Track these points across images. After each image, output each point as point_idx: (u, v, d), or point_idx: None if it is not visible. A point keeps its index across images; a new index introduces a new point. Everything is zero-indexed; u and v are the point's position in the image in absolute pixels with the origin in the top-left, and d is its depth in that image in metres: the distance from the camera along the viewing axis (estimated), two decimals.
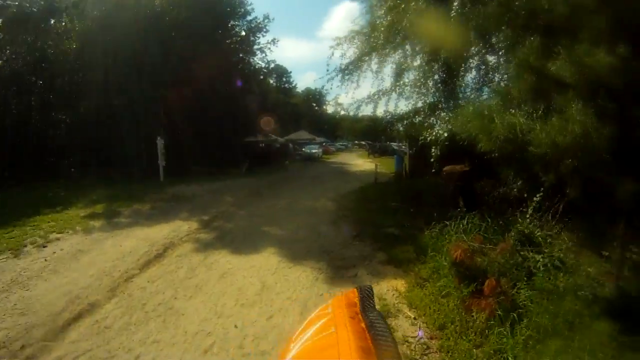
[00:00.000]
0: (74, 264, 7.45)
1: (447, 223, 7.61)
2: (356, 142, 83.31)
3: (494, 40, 8.37)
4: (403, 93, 12.86)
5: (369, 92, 13.49)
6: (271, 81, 55.42)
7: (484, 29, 7.75)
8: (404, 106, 13.12)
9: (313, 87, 75.89)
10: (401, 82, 13.19)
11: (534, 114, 4.93)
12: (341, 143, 74.13)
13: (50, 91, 24.83)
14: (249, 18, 27.76)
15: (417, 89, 12.03)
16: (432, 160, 10.65)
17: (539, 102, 5.03)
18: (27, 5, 24.41)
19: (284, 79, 64.60)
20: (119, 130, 21.91)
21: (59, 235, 9.47)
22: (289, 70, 68.84)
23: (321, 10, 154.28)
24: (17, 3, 24.21)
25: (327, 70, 14.78)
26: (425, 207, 10.03)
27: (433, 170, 11.04)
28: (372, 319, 0.83)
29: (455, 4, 8.53)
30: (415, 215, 9.84)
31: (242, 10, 27.28)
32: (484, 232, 6.56)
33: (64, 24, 24.33)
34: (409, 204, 11.02)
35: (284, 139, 46.43)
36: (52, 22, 24.93)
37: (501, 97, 6.17)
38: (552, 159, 4.37)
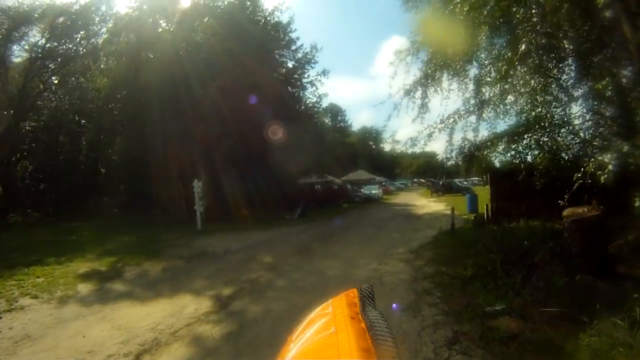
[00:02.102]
0: None
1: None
2: (415, 180, 79.28)
3: None
4: (493, 108, 10.84)
5: (441, 116, 11.20)
6: (326, 120, 53.11)
7: None
8: (485, 130, 11.20)
9: (369, 125, 73.46)
10: (488, 95, 10.69)
11: None
12: (401, 182, 70.17)
13: (95, 131, 24.40)
14: (293, 47, 25.03)
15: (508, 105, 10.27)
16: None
17: None
18: (73, 47, 23.86)
19: (339, 118, 62.28)
20: (159, 171, 19.86)
21: (29, 302, 7.30)
22: (344, 109, 66.50)
23: (372, 47, 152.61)
24: (64, 47, 23.70)
25: (390, 95, 11.50)
26: (542, 273, 6.94)
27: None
28: (372, 319, 0.73)
29: None
30: (533, 290, 6.36)
31: (287, 38, 24.65)
32: None
33: (100, 63, 23.18)
34: (512, 265, 7.53)
35: (342, 179, 43.24)
36: (91, 62, 24.10)
37: None
38: None
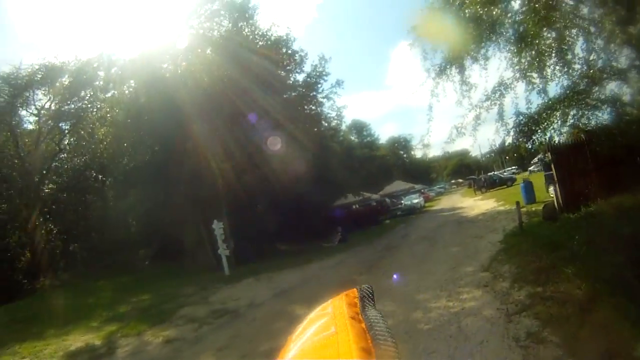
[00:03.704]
0: None
1: None
2: (453, 181, 76.54)
3: None
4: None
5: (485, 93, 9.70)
6: (352, 137, 51.06)
7: None
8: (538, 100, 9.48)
9: (396, 135, 71.28)
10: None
11: None
12: (439, 186, 67.11)
13: (114, 184, 23.83)
14: (297, 58, 22.90)
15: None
16: None
17: None
18: (82, 105, 23.40)
19: (365, 133, 60.03)
20: (181, 216, 18.34)
21: None
22: (368, 123, 64.31)
23: (382, 57, 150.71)
24: (73, 107, 23.23)
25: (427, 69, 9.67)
26: None
27: None
28: (372, 320, 0.66)
29: None
30: None
31: (290, 51, 22.80)
32: None
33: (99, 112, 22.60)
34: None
35: (379, 194, 40.87)
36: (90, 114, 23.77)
37: None
38: None
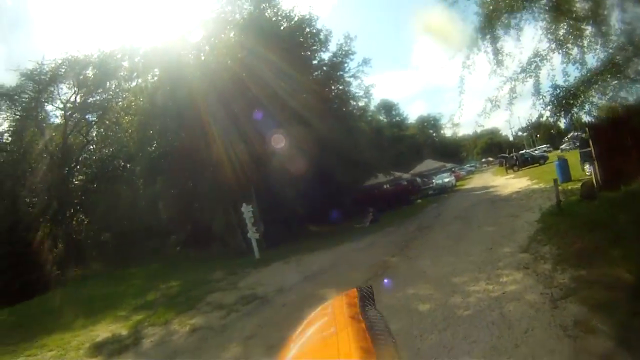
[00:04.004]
0: None
1: None
2: (483, 160, 75.22)
3: None
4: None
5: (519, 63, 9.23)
6: (381, 117, 50.30)
7: None
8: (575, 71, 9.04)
9: (425, 114, 69.98)
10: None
11: None
12: (470, 165, 65.78)
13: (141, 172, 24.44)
14: (322, 37, 22.29)
15: None
16: None
17: None
18: (108, 97, 23.82)
19: (393, 112, 59.03)
20: (211, 201, 18.27)
21: None
22: (396, 102, 63.18)
23: (408, 37, 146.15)
24: (99, 98, 23.70)
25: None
26: None
27: None
28: (372, 319, 0.76)
29: None
30: None
31: (314, 30, 22.14)
32: None
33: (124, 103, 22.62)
34: None
35: (410, 173, 40.35)
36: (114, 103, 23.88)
37: None
38: None
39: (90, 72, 22.90)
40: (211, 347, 6.39)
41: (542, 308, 4.94)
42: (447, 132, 72.32)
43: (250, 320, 7.38)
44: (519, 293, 5.58)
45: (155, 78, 20.46)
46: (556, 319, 4.56)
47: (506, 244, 8.68)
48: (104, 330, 8.62)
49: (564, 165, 17.25)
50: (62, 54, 22.32)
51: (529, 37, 10.22)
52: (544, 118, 9.93)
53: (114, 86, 23.90)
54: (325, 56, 23.23)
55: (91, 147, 25.00)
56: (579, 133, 16.94)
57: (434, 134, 71.43)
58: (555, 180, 11.53)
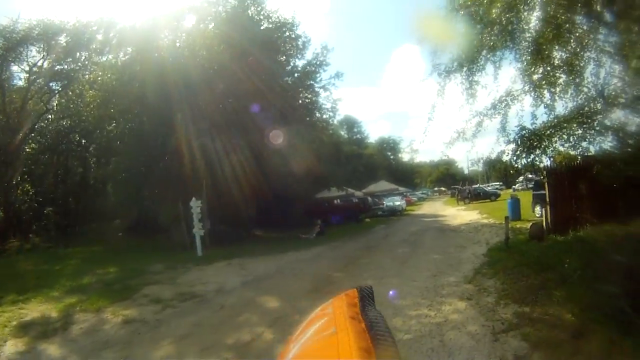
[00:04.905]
0: None
1: None
2: (436, 189, 77.51)
3: None
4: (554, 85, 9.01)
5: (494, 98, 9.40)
6: (342, 132, 50.58)
7: None
8: (543, 116, 9.36)
9: (386, 136, 71.22)
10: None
11: None
12: (422, 191, 67.48)
13: (96, 150, 23.09)
14: (300, 43, 22.39)
15: None
16: None
17: None
18: (76, 67, 22.77)
19: (355, 130, 59.69)
20: (161, 191, 17.91)
21: None
22: (359, 121, 64.00)
23: (382, 56, 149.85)
24: (66, 68, 22.60)
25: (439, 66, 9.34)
26: None
27: None
28: (372, 319, 0.74)
29: None
30: None
31: (293, 35, 22.03)
32: None
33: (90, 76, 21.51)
34: None
35: (362, 192, 40.54)
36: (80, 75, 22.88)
37: None
38: None
39: (62, 39, 21.92)
40: (143, 342, 6.01)
41: (482, 340, 4.91)
42: (405, 156, 73.96)
43: (186, 318, 7.05)
44: (461, 322, 5.55)
45: (127, 57, 19.87)
46: (496, 351, 4.55)
47: (451, 273, 8.73)
48: (33, 310, 8.06)
49: (515, 204, 17.74)
50: (38, 16, 21.72)
51: (504, 75, 10.40)
52: (506, 155, 9.98)
53: (84, 57, 23.04)
54: (300, 63, 23.15)
55: (49, 116, 23.85)
56: (533, 175, 17.48)
57: (392, 157, 72.80)
58: (506, 217, 11.67)
